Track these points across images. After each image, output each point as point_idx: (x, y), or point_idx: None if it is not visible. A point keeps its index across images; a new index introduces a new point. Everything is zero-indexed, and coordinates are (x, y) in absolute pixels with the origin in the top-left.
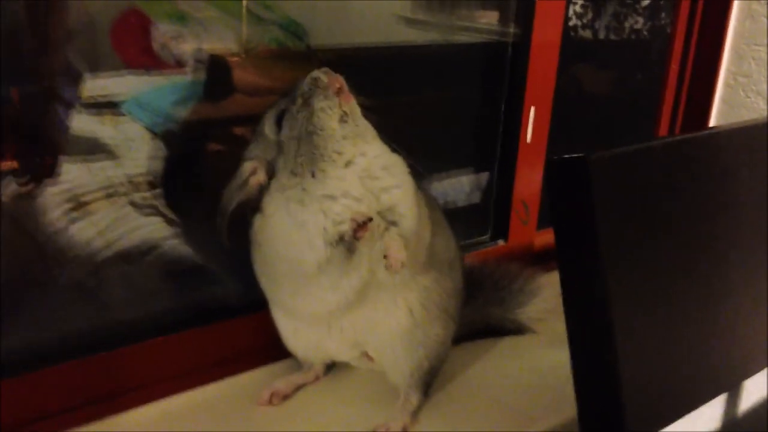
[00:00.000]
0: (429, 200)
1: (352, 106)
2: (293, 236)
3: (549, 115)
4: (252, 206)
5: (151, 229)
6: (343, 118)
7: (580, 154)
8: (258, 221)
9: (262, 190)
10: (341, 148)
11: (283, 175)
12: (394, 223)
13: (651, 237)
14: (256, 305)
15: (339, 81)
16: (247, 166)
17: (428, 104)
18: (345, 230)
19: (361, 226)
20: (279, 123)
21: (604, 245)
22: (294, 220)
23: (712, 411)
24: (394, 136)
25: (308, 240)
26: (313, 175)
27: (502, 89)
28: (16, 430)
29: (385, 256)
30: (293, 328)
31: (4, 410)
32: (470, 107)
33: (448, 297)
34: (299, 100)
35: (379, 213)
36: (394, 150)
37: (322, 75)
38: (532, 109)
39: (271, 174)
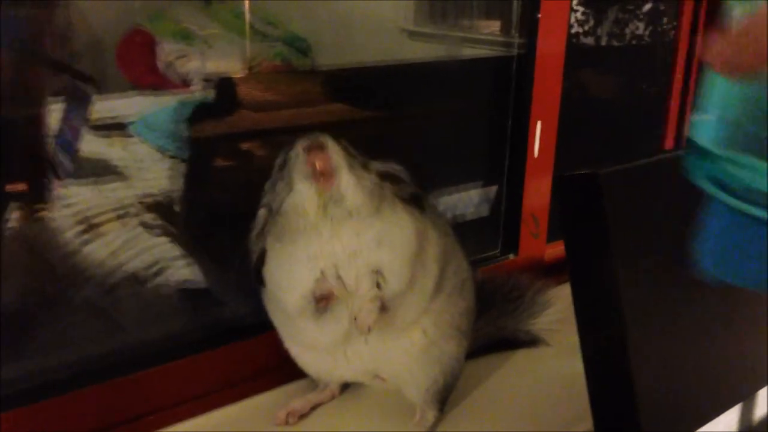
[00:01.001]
0: (440, 227)
1: (338, 189)
2: (282, 280)
3: (555, 130)
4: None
5: (162, 249)
6: (325, 206)
7: (590, 171)
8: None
9: None
10: (323, 228)
11: (271, 233)
12: (378, 285)
13: (663, 249)
14: (270, 325)
15: (321, 161)
16: (261, 215)
17: (436, 120)
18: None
19: (324, 297)
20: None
21: (617, 258)
22: (281, 265)
23: (728, 418)
24: (402, 152)
25: (291, 286)
26: (293, 243)
27: (509, 104)
28: None
29: (355, 318)
30: (302, 353)
31: None
32: (478, 122)
33: (460, 316)
34: (285, 169)
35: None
36: (414, 198)
37: (301, 151)
38: (539, 123)
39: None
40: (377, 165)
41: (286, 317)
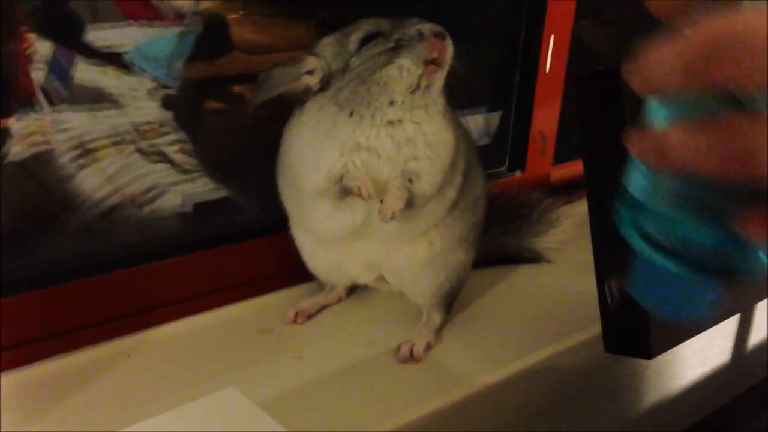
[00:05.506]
0: (467, 140)
1: (433, 82)
2: (307, 154)
3: (568, 44)
4: (293, 101)
5: (160, 174)
6: (415, 88)
7: (611, 67)
8: (293, 119)
9: (308, 94)
10: (392, 111)
11: (327, 96)
12: (410, 182)
13: None
14: (277, 228)
15: (440, 50)
16: (309, 62)
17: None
18: (349, 185)
19: (350, 191)
20: (364, 42)
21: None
22: (314, 140)
23: (724, 343)
24: None
25: (316, 165)
26: (350, 115)
27: (522, 18)
28: (44, 342)
29: (381, 200)
30: (312, 248)
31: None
32: (490, 36)
33: (468, 229)
34: (391, 42)
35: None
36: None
37: (427, 32)
38: (552, 37)
39: (324, 84)
40: None
41: (300, 202)
